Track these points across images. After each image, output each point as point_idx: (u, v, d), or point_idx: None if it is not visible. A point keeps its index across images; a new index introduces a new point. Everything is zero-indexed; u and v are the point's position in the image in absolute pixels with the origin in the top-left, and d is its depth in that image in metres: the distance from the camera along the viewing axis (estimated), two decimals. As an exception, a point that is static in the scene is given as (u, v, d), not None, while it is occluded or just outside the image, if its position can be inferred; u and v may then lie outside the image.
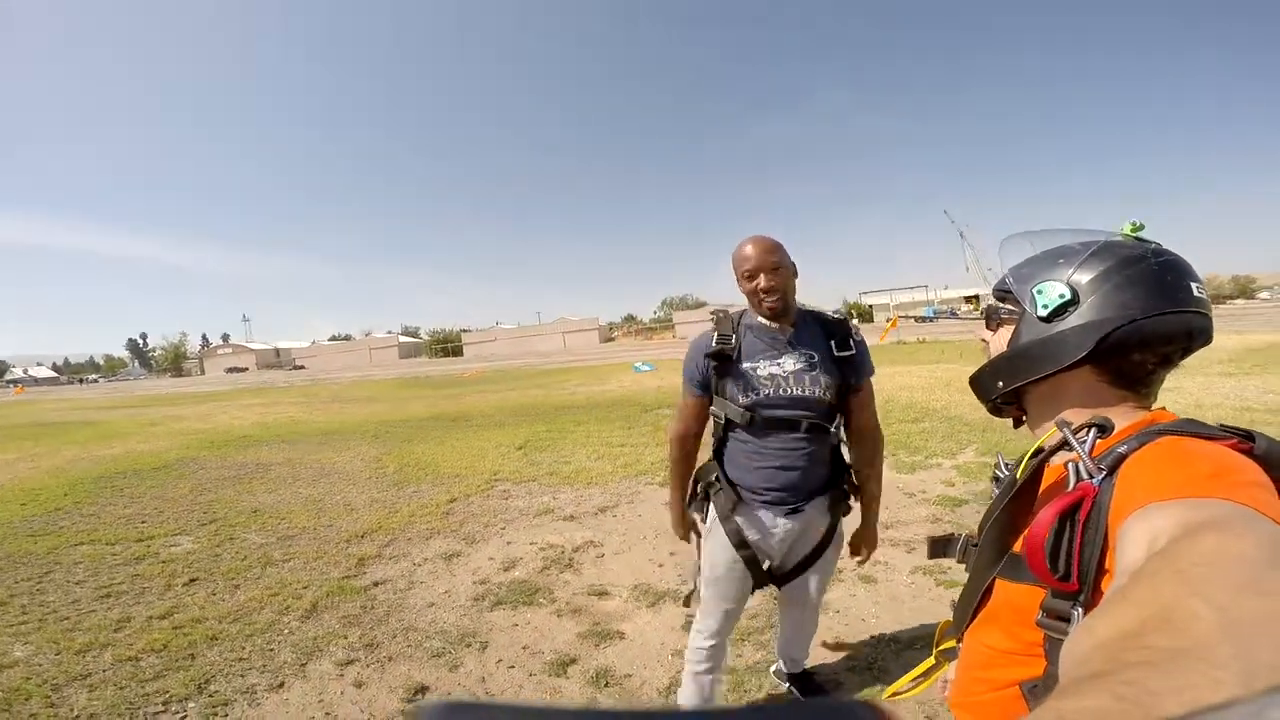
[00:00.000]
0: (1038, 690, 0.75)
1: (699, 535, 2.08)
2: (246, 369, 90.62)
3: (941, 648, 1.14)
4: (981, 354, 1.02)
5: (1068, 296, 0.83)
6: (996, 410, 1.01)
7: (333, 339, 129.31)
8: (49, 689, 2.73)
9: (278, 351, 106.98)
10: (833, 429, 1.88)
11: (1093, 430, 0.75)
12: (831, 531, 2.00)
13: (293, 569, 4.11)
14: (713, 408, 1.92)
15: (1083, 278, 0.83)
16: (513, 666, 2.79)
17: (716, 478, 1.95)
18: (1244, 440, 0.72)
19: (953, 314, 63.50)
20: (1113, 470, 0.72)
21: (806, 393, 1.80)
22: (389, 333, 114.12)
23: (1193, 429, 0.75)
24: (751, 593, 2.03)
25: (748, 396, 1.81)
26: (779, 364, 1.81)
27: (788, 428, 1.82)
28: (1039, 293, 0.86)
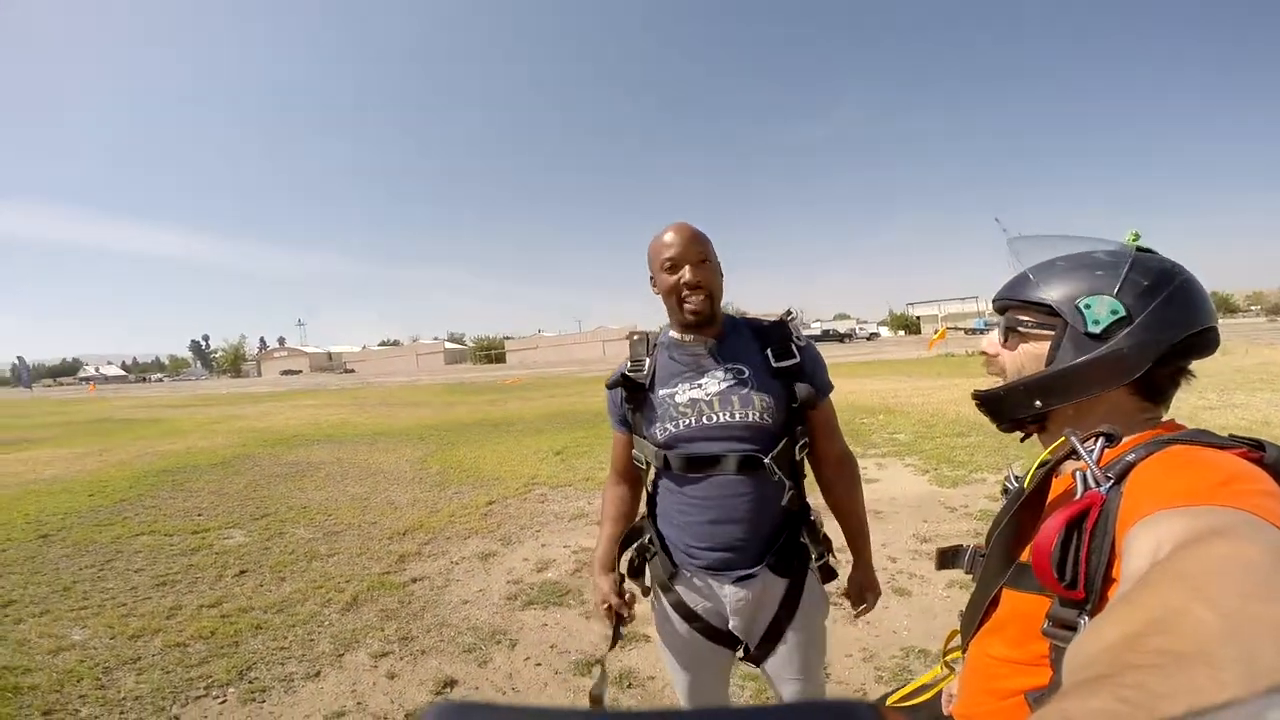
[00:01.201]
0: (1043, 700, 0.73)
1: (622, 617, 1.54)
2: (300, 371, 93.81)
3: (948, 658, 1.12)
4: (984, 369, 0.99)
5: (1121, 313, 0.80)
6: (1010, 427, 0.97)
7: (382, 344, 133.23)
8: (100, 671, 2.88)
9: (330, 355, 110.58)
10: (769, 461, 1.40)
11: (1100, 439, 0.75)
12: (794, 600, 1.48)
13: (336, 563, 4.24)
14: (634, 450, 1.55)
15: (1130, 293, 0.80)
16: (540, 664, 2.82)
17: (650, 539, 1.56)
18: (1254, 449, 0.71)
19: (1005, 325, 61.55)
20: (1121, 479, 0.71)
21: (735, 417, 1.39)
22: (435, 339, 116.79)
23: (1202, 438, 0.74)
24: (736, 657, 1.56)
25: (665, 431, 1.43)
26: (700, 386, 1.42)
27: (714, 466, 1.40)
28: (1087, 307, 0.82)
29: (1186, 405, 7.94)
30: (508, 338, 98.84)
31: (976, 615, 0.88)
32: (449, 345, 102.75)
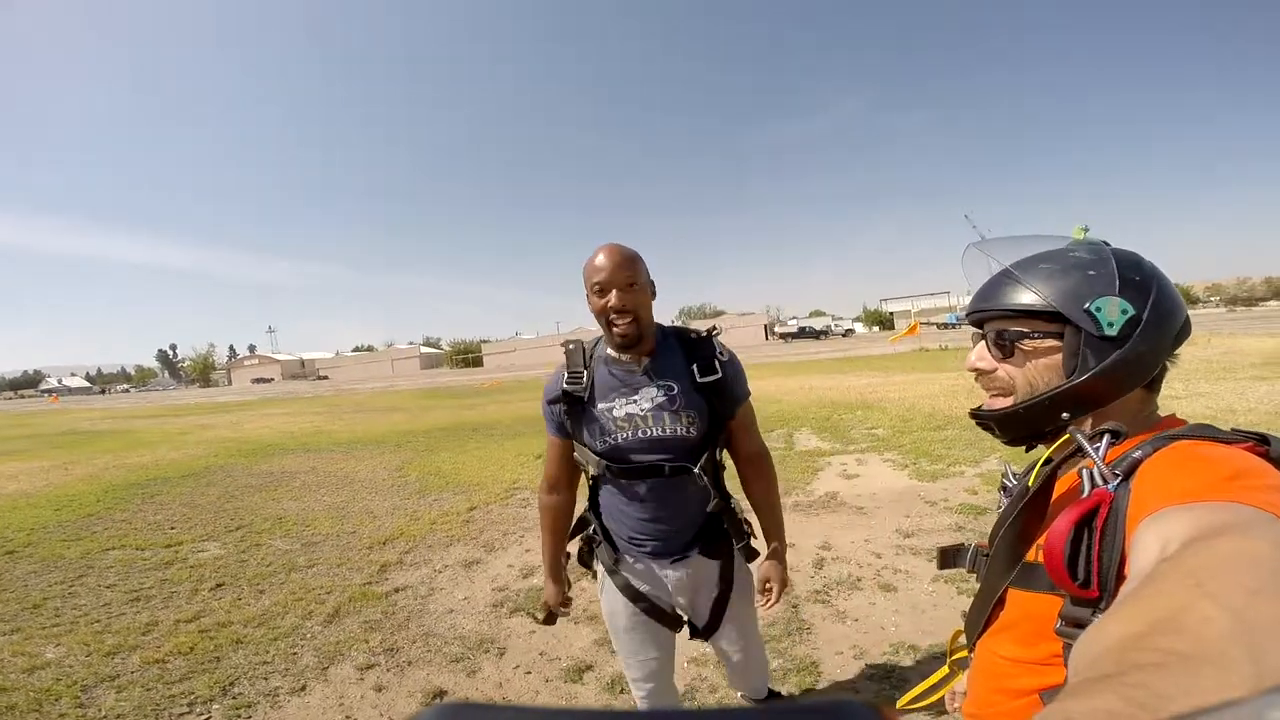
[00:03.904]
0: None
1: (564, 610, 1.85)
2: (272, 379, 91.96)
3: (955, 658, 1.12)
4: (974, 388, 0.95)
5: (1131, 313, 0.79)
6: (1019, 441, 0.93)
7: (356, 350, 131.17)
8: (79, 689, 2.80)
9: (303, 362, 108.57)
10: (698, 469, 1.58)
11: (1106, 436, 0.74)
12: (729, 578, 1.71)
13: (316, 574, 4.16)
14: (575, 455, 1.69)
15: (1130, 290, 0.80)
16: (530, 672, 2.80)
17: (595, 530, 1.76)
18: (1259, 444, 0.71)
19: (976, 320, 62.58)
20: (1128, 476, 0.70)
21: (667, 431, 1.55)
22: (410, 343, 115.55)
23: (1207, 433, 0.74)
24: (676, 636, 1.79)
25: (604, 442, 1.58)
26: (635, 402, 1.56)
27: (651, 473, 1.58)
28: (1098, 310, 0.80)
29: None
30: (485, 341, 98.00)
31: (982, 615, 0.87)
32: (425, 350, 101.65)
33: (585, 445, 1.63)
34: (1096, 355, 0.81)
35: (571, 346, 1.67)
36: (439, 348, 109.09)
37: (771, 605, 1.72)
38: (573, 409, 1.61)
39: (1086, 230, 0.91)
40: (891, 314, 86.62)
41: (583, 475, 1.75)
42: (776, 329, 69.89)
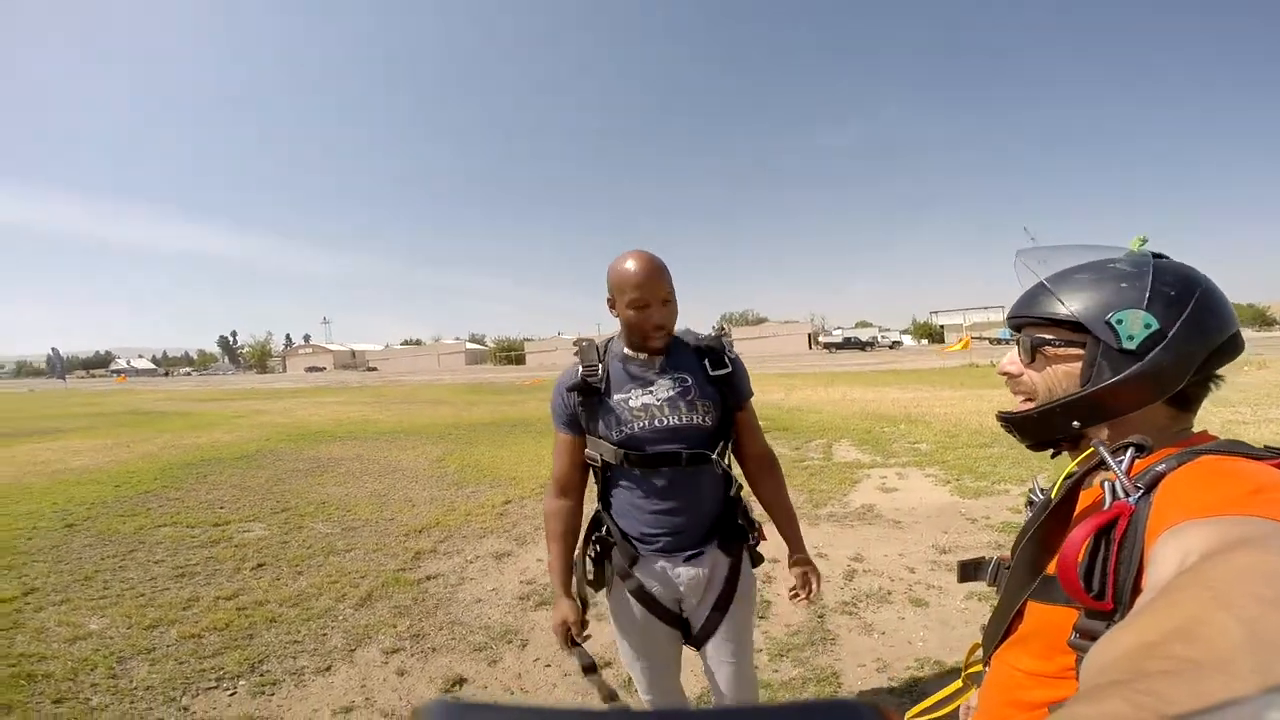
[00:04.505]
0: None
1: (575, 641, 1.64)
2: (324, 368, 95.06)
3: (969, 671, 1.10)
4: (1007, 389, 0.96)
5: (1155, 327, 0.77)
6: (1039, 447, 0.95)
7: (404, 343, 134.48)
8: (114, 660, 2.92)
9: (353, 353, 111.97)
10: (715, 456, 1.63)
11: (1130, 449, 0.73)
12: (734, 576, 1.69)
13: (353, 559, 4.27)
14: (588, 450, 1.69)
15: (1160, 304, 0.78)
16: (549, 665, 2.81)
17: (607, 530, 1.72)
18: None
19: (1032, 336, 60.57)
20: (1150, 489, 0.69)
21: (683, 420, 1.60)
22: (457, 339, 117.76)
23: (1236, 449, 0.72)
24: (685, 644, 1.75)
25: (620, 432, 1.60)
26: (651, 393, 1.61)
27: (668, 462, 1.61)
28: (1119, 323, 0.79)
29: (1218, 419, 7.76)
30: (528, 339, 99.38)
31: (1000, 628, 0.86)
32: (470, 346, 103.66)
33: (601, 437, 1.63)
34: (1113, 367, 0.80)
35: (585, 344, 1.71)
36: (484, 344, 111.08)
37: (811, 598, 1.72)
38: (588, 400, 1.63)
39: (1145, 241, 0.88)
40: (942, 327, 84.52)
41: (590, 477, 1.75)
42: (821, 338, 68.94)
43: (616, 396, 1.61)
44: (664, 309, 1.55)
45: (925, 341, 78.22)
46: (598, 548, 1.76)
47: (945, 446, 7.42)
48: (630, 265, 1.53)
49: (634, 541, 1.67)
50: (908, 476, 6.14)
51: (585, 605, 1.70)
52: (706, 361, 1.65)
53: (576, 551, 1.74)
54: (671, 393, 1.61)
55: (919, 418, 9.87)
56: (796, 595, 1.73)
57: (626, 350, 1.65)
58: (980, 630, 0.95)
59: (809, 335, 71.29)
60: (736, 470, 1.77)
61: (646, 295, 1.52)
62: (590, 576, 1.74)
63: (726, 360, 1.66)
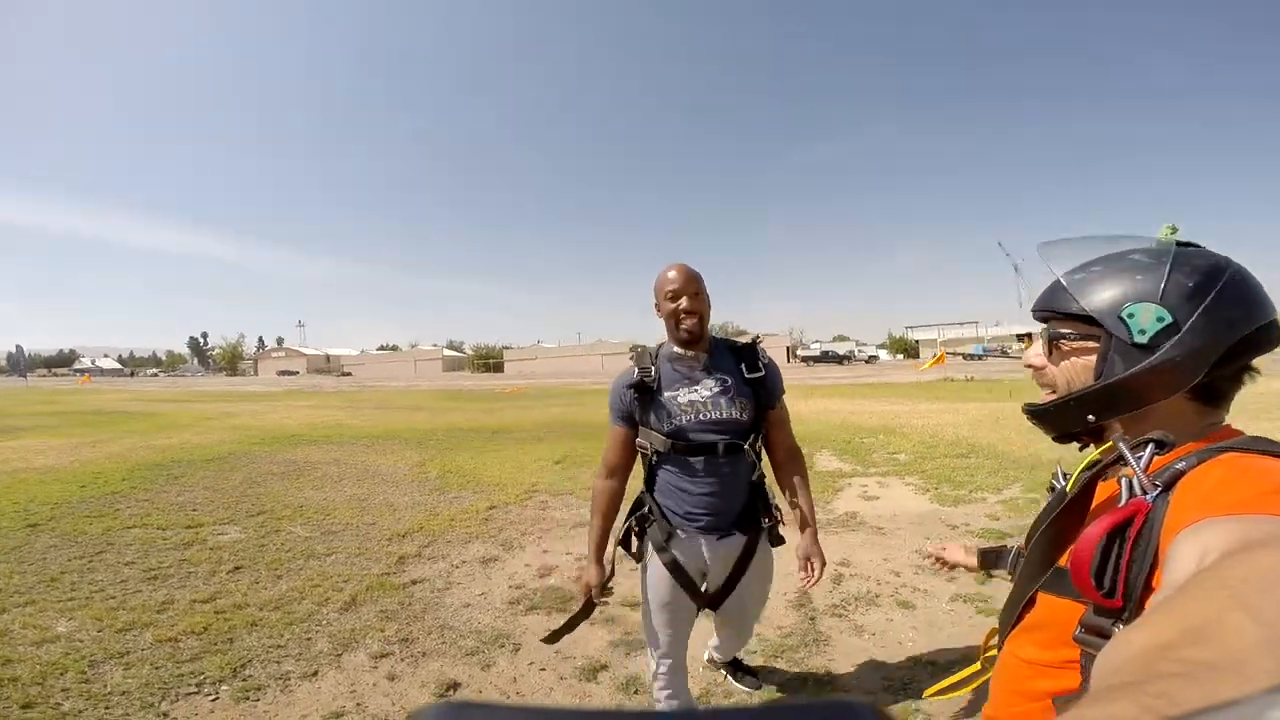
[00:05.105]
0: (1070, 704, 0.71)
1: (593, 604, 2.04)
2: (298, 372, 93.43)
3: (987, 654, 1.12)
4: (1033, 383, 0.96)
5: (1168, 320, 0.76)
6: (1065, 438, 0.93)
7: (380, 349, 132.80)
8: (86, 664, 2.78)
9: (328, 358, 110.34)
10: (747, 447, 1.92)
11: (1150, 445, 0.72)
12: (751, 551, 2.00)
13: (334, 563, 4.17)
14: (639, 439, 1.98)
15: (1175, 296, 0.76)
16: (544, 669, 2.76)
17: (650, 509, 1.99)
18: None
19: (1003, 352, 61.81)
20: (1169, 487, 0.69)
21: (724, 415, 1.88)
22: (434, 345, 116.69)
23: (1260, 446, 0.71)
24: (698, 613, 2.06)
25: (670, 424, 1.88)
26: (696, 390, 1.89)
27: (708, 451, 1.88)
28: (1130, 317, 0.78)
29: (1258, 428, 7.70)
30: (507, 347, 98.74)
31: (1013, 615, 0.87)
32: (447, 352, 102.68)
33: (652, 429, 1.92)
34: (1125, 361, 0.80)
35: (639, 350, 2.00)
36: (462, 351, 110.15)
37: (815, 583, 2.00)
38: (643, 397, 1.91)
39: (1175, 230, 0.86)
40: (917, 342, 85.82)
41: (637, 462, 2.05)
42: (799, 352, 69.50)
43: (667, 394, 1.90)
44: (695, 299, 1.88)
45: (901, 356, 79.32)
46: (639, 526, 2.04)
47: (923, 457, 7.52)
48: (667, 270, 1.93)
49: (675, 519, 1.94)
50: (888, 485, 6.21)
51: (612, 573, 2.02)
52: (743, 365, 1.95)
53: (618, 524, 2.04)
54: (714, 390, 1.89)
55: (897, 429, 9.98)
56: (808, 575, 2.00)
57: (675, 349, 1.93)
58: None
59: (788, 348, 71.80)
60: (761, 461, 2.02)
61: (680, 288, 1.88)
62: (634, 549, 2.06)
63: (760, 365, 1.96)
